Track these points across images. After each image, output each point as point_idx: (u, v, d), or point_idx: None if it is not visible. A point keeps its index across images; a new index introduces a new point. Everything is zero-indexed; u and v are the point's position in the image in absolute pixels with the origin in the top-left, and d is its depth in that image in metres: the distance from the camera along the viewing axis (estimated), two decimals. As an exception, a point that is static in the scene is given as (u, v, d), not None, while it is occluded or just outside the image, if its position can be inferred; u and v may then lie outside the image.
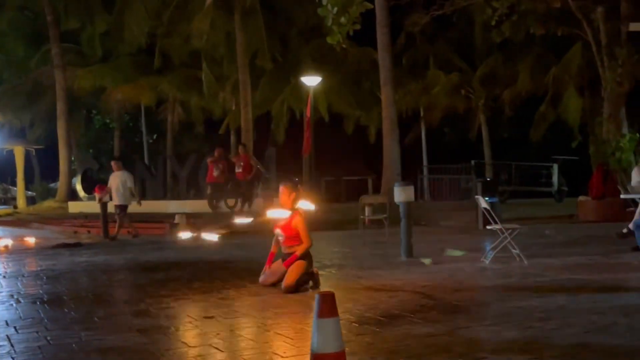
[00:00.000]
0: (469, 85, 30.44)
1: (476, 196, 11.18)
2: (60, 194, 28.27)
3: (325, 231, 16.02)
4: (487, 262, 9.29)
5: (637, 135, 19.60)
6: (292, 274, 7.47)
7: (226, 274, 9.20)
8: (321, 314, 3.65)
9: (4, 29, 30.41)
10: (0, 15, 29.94)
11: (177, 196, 26.22)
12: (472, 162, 25.77)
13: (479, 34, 28.21)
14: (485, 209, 10.00)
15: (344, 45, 12.64)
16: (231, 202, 20.84)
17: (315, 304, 3.67)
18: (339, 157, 34.61)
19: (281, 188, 7.86)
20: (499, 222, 9.75)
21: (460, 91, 30.54)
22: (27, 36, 31.02)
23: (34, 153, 36.01)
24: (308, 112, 20.81)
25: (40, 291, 8.08)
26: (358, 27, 12.53)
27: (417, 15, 24.06)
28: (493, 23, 17.72)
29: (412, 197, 10.40)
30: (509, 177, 26.06)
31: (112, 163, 16.44)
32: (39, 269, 10.40)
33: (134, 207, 16.50)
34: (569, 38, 23.23)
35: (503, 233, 9.52)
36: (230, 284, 8.13)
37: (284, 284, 7.42)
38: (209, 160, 21.08)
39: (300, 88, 26.08)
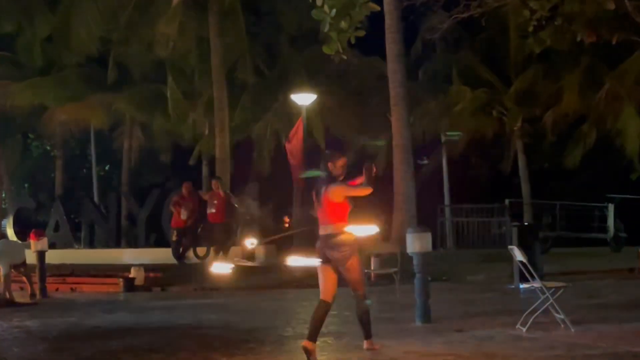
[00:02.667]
0: (502, 105, 30.58)
1: (510, 246, 11.18)
2: (-14, 240, 28.23)
3: (321, 288, 15.97)
4: (524, 329, 9.26)
5: None
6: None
7: (194, 343, 9.16)
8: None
9: None
10: None
11: (133, 243, 26.14)
12: (507, 201, 25.79)
13: (514, 42, 28.39)
14: (521, 261, 10.00)
15: (343, 56, 12.70)
16: (202, 250, 20.81)
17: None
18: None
19: (341, 160, 8.31)
20: (538, 279, 9.75)
21: (490, 111, 30.66)
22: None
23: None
24: (300, 131, 20.86)
25: (-41, 365, 8.04)
26: (362, 33, 12.59)
27: (437, 19, 24.25)
28: (530, 29, 17.83)
29: (429, 246, 10.40)
30: (553, 220, 26.04)
31: None
32: (-43, 336, 10.35)
33: (79, 257, 16.51)
34: (625, 46, 23.40)
35: (544, 292, 9.50)
36: (199, 356, 8.09)
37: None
38: (174, 199, 21.07)
39: (290, 108, 26.18)
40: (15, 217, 27.99)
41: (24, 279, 16.05)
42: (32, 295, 15.91)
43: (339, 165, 8.23)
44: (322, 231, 8.10)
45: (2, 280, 14.79)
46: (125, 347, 8.98)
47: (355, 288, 8.27)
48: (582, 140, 29.24)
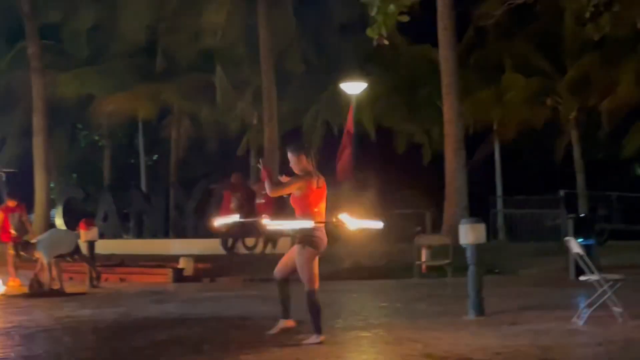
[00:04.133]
0: (556, 93, 30.26)
1: (566, 237, 11.07)
2: (36, 229, 28.51)
3: (371, 280, 15.98)
4: (580, 323, 9.18)
5: None
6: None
7: (244, 334, 9.22)
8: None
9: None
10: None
11: (182, 233, 26.36)
12: (561, 192, 25.56)
13: (569, 29, 28.05)
14: (578, 254, 9.91)
15: (385, 42, 12.64)
16: (250, 241, 20.94)
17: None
18: (387, 184, 34.68)
19: (303, 156, 8.39)
20: (596, 271, 9.65)
21: (544, 100, 30.35)
22: (-4, 31, 31.49)
23: (3, 178, 36.52)
24: (349, 126, 20.84)
25: (12, 354, 8.17)
26: (406, 18, 12.52)
27: (490, 5, 24.05)
28: (587, 15, 17.61)
29: (483, 237, 10.35)
30: (610, 212, 25.76)
31: None
32: (9, 325, 10.51)
33: (128, 247, 16.69)
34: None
35: (602, 285, 9.41)
36: (249, 347, 8.14)
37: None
38: (225, 189, 21.22)
39: (339, 97, 26.18)
40: (64, 207, 28.35)
41: (85, 265, 16.23)
42: (97, 278, 16.14)
43: (302, 161, 8.38)
44: (323, 222, 8.46)
45: (45, 268, 14.95)
46: (174, 338, 9.06)
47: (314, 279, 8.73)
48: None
